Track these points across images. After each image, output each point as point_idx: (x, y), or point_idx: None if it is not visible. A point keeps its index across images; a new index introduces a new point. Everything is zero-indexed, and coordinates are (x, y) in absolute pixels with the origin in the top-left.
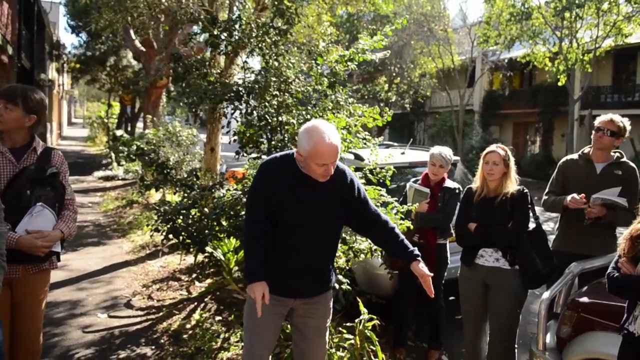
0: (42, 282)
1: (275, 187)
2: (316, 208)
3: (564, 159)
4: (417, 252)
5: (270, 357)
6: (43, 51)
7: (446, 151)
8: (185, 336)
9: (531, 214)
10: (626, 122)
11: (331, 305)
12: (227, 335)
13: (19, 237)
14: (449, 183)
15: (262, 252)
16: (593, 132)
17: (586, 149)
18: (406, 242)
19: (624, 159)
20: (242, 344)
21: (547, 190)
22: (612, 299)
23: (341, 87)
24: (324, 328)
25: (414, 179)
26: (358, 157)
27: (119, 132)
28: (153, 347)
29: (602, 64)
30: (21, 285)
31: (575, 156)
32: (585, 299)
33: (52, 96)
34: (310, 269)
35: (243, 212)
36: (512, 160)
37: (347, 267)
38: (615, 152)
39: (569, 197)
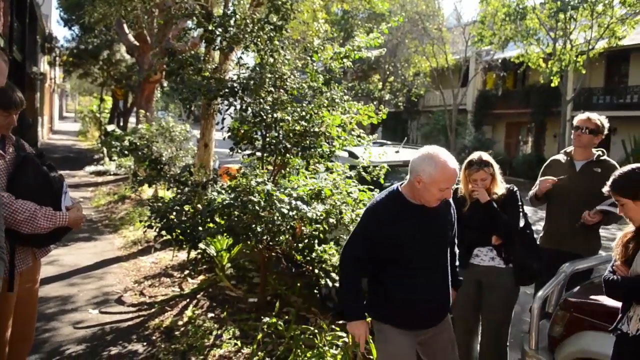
0: (39, 267)
1: (389, 224)
2: (432, 235)
3: (552, 158)
4: (461, 282)
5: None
6: (35, 44)
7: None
8: (177, 333)
9: (521, 212)
10: (604, 120)
11: (452, 327)
12: (219, 332)
13: (68, 214)
14: None
15: (360, 290)
16: (572, 131)
17: (569, 148)
18: (457, 269)
19: (605, 157)
20: (235, 341)
21: (534, 187)
22: (604, 299)
23: (336, 84)
24: (453, 345)
25: (399, 183)
26: (352, 154)
27: (111, 127)
28: (144, 343)
29: (595, 66)
30: (25, 272)
31: (559, 156)
32: (577, 299)
33: (43, 89)
34: (438, 295)
35: (236, 212)
36: (495, 166)
37: None
38: (597, 151)
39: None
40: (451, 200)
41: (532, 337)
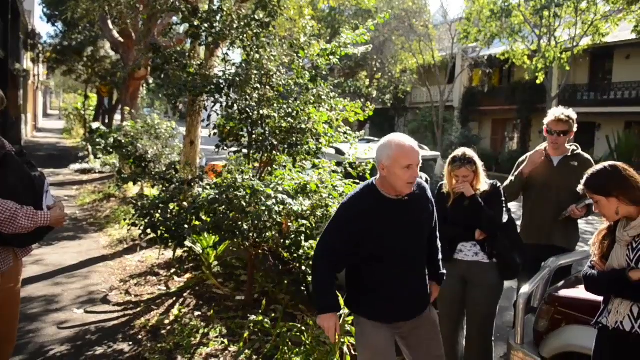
0: (21, 266)
1: (362, 219)
2: (409, 229)
3: (526, 155)
4: (444, 277)
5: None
6: (17, 40)
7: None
8: (163, 332)
9: (504, 207)
10: (572, 114)
11: (437, 322)
12: (206, 330)
13: (50, 213)
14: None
15: (332, 283)
16: (547, 133)
17: (543, 145)
18: (441, 263)
19: (579, 151)
20: (222, 339)
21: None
22: (588, 293)
23: (323, 80)
24: (438, 333)
25: None
26: (339, 151)
27: (95, 125)
28: (130, 343)
29: (580, 63)
30: (7, 272)
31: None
32: (561, 293)
33: (27, 87)
34: (414, 289)
35: (222, 208)
36: (478, 162)
37: None
38: (570, 146)
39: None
40: (430, 195)
41: (517, 332)
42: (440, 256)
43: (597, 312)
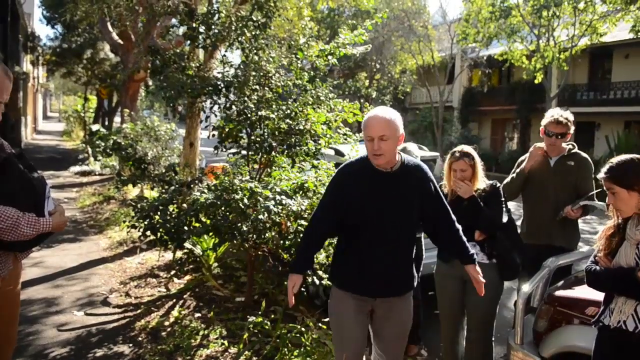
0: (21, 268)
1: (348, 188)
2: (391, 205)
3: (524, 156)
4: (475, 256)
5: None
6: (17, 43)
7: (410, 147)
8: (163, 333)
9: (504, 207)
10: (570, 116)
11: (411, 311)
12: (206, 332)
13: (51, 219)
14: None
15: (313, 245)
16: (544, 135)
17: (540, 144)
18: (467, 245)
19: (575, 150)
20: (222, 341)
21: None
22: (588, 293)
23: (321, 82)
24: (403, 335)
25: None
26: (338, 152)
27: (95, 127)
28: (131, 345)
29: (578, 62)
30: (7, 275)
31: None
32: (561, 293)
33: (26, 89)
34: (388, 268)
35: (221, 211)
36: (477, 159)
37: (327, 263)
38: (567, 145)
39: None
40: (430, 176)
41: (517, 332)
42: (463, 238)
43: (597, 312)
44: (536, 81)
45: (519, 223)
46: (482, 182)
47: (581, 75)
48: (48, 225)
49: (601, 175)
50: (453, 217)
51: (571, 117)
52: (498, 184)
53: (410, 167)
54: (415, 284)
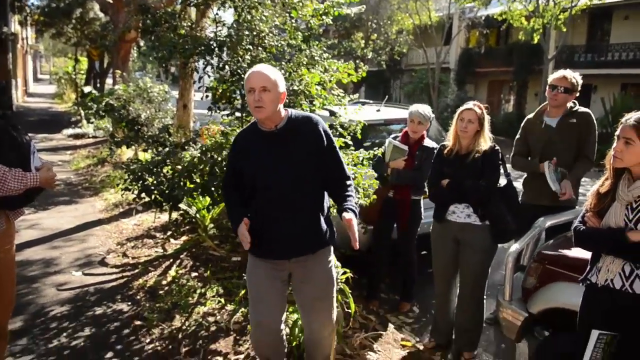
0: (14, 229)
1: (239, 155)
2: (282, 165)
3: (526, 119)
4: (352, 207)
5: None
6: (4, 3)
7: (424, 108)
8: (161, 292)
9: (502, 171)
10: (578, 78)
11: (332, 273)
12: (203, 290)
13: (38, 174)
14: (428, 142)
15: (237, 205)
16: (547, 89)
17: (542, 107)
18: (349, 197)
19: (577, 107)
20: (219, 299)
21: (513, 150)
22: (577, 251)
23: (316, 41)
24: (326, 295)
25: (393, 136)
26: (333, 113)
27: (87, 89)
28: (129, 303)
29: (577, 23)
30: (0, 235)
31: (532, 116)
32: (551, 251)
33: (15, 51)
34: (293, 227)
35: (207, 169)
36: (486, 118)
37: None
38: (569, 104)
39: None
40: (322, 130)
41: (506, 289)
42: (349, 192)
43: (584, 270)
44: (534, 41)
45: (520, 183)
46: (487, 142)
47: (580, 37)
48: (35, 180)
49: (628, 122)
50: (347, 171)
51: (579, 79)
52: (497, 147)
53: (297, 122)
54: (330, 237)
